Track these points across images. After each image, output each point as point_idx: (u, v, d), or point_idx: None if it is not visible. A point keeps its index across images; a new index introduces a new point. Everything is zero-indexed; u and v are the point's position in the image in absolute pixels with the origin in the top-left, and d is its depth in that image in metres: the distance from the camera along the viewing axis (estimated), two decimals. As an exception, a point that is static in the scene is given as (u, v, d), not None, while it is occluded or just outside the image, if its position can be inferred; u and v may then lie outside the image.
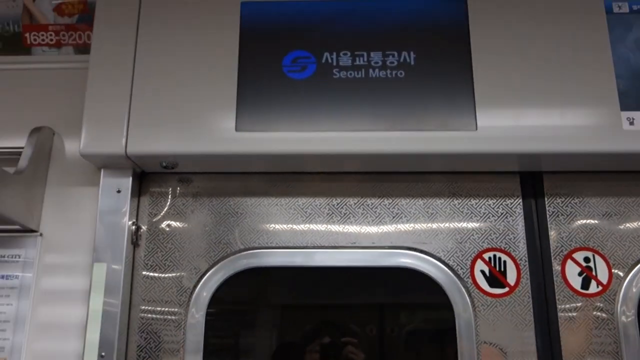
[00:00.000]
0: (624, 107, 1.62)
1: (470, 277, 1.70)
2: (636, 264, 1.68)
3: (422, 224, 1.75)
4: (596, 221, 1.73)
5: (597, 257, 1.69)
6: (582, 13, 1.71)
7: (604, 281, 1.67)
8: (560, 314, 1.65)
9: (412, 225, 1.75)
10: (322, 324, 1.80)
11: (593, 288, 1.67)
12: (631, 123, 1.61)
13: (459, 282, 1.69)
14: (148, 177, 1.83)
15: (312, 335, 1.75)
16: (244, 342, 1.80)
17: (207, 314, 1.70)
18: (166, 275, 1.74)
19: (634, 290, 1.66)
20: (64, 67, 1.94)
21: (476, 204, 1.76)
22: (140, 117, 1.67)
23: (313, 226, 1.76)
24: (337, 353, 1.70)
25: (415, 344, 1.76)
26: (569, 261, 1.69)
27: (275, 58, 1.71)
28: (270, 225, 1.77)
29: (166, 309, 1.71)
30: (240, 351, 1.79)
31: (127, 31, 1.75)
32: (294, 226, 1.76)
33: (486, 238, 1.73)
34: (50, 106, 1.89)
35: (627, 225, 1.72)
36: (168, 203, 1.81)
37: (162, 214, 1.79)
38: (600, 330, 1.64)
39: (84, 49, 1.95)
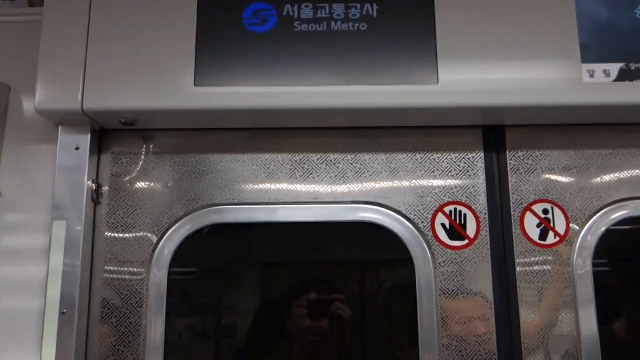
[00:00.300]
0: (585, 59, 1.62)
1: (431, 230, 1.72)
2: (593, 215, 1.72)
3: (385, 179, 1.75)
4: (556, 174, 1.75)
5: (556, 209, 1.72)
6: (546, -36, 1.69)
7: (562, 232, 1.71)
8: (517, 265, 1.68)
9: (374, 180, 1.76)
10: (306, 281, 1.81)
11: (551, 239, 1.70)
12: (592, 76, 1.62)
13: (419, 236, 1.71)
14: (108, 134, 1.79)
15: (297, 292, 1.76)
16: (208, 300, 1.81)
17: (170, 272, 1.70)
18: (129, 232, 1.73)
19: (590, 240, 1.70)
20: (18, 20, 1.87)
21: (438, 158, 1.77)
22: (97, 72, 1.63)
23: (276, 182, 1.76)
24: (325, 309, 1.72)
25: (384, 299, 1.78)
26: (528, 213, 1.72)
27: (236, 11, 1.67)
28: (233, 182, 1.76)
29: (129, 267, 1.71)
30: (204, 309, 1.80)
31: (82, -17, 1.69)
32: (257, 183, 1.76)
33: (447, 192, 1.74)
34: (4, 61, 1.83)
35: (586, 177, 1.75)
36: (129, 160, 1.78)
37: (123, 171, 1.77)
38: (556, 280, 1.68)
39: (38, 1, 1.88)
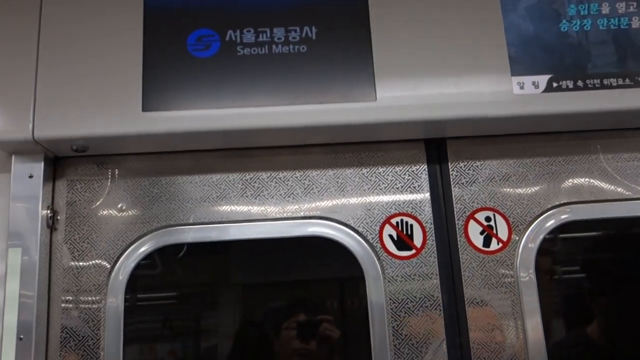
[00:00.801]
0: (515, 72, 1.71)
1: (379, 241, 1.77)
2: (534, 221, 1.79)
3: (333, 194, 1.81)
4: (496, 182, 1.82)
5: (498, 216, 1.79)
6: (475, -16, 1.78)
7: (504, 238, 1.77)
8: (463, 271, 1.74)
9: (323, 195, 1.81)
10: (292, 301, 1.85)
11: (494, 245, 1.77)
12: (521, 87, 1.70)
13: (368, 247, 1.77)
14: (62, 161, 1.84)
15: (283, 313, 1.80)
16: (165, 324, 1.84)
17: (126, 296, 1.73)
18: (85, 258, 1.76)
19: (531, 245, 1.76)
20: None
21: (383, 172, 1.83)
22: (47, 101, 1.67)
23: (227, 201, 1.81)
24: (314, 330, 1.76)
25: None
26: (472, 221, 1.78)
27: (180, 37, 1.73)
28: (186, 203, 1.80)
29: (86, 292, 1.74)
30: (163, 335, 1.83)
31: (30, 13, 1.73)
32: (209, 202, 1.81)
33: (394, 204, 1.81)
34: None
35: (525, 185, 1.82)
36: (84, 186, 1.82)
37: (78, 197, 1.81)
38: (500, 284, 1.74)
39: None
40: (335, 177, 1.83)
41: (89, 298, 1.73)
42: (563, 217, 1.80)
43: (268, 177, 1.83)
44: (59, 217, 1.79)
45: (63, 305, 1.73)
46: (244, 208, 1.80)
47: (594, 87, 1.70)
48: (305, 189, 1.82)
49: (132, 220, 1.79)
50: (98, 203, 1.81)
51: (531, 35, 1.74)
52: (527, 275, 1.74)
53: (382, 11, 1.74)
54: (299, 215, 1.80)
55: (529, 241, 1.77)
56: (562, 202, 1.81)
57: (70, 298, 1.74)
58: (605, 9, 1.77)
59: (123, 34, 1.72)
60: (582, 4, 1.77)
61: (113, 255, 1.76)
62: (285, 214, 1.80)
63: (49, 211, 1.76)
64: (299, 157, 1.84)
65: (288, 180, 1.83)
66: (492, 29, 1.73)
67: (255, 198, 1.81)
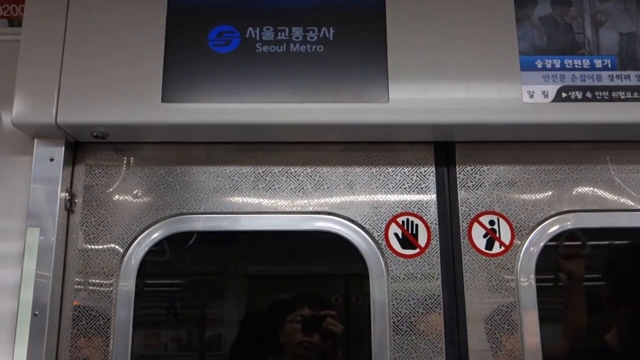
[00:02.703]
0: (525, 80, 1.75)
1: (384, 239, 1.82)
2: (536, 227, 1.83)
3: (342, 191, 1.86)
4: (502, 187, 1.86)
5: (502, 221, 1.83)
6: (491, -8, 1.82)
7: (507, 242, 1.82)
8: (465, 272, 1.79)
9: (332, 192, 1.86)
10: (297, 295, 1.91)
11: (496, 248, 1.81)
12: (531, 96, 1.74)
13: (373, 244, 1.82)
14: (82, 146, 1.90)
15: (287, 306, 1.86)
16: (174, 311, 1.91)
17: (137, 280, 1.79)
18: (100, 241, 1.83)
19: (533, 250, 1.81)
20: (-1, 39, 1.99)
21: (392, 171, 1.88)
22: (71, 88, 1.74)
23: (239, 193, 1.86)
24: (317, 324, 1.81)
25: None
26: (476, 224, 1.83)
27: (201, 32, 1.79)
28: (199, 193, 1.86)
29: (99, 273, 1.80)
30: (171, 320, 1.90)
31: (58, 4, 1.80)
32: (221, 193, 1.86)
33: (400, 204, 1.85)
34: (-15, 78, 1.94)
35: (530, 191, 1.86)
36: (102, 171, 1.89)
37: (96, 182, 1.87)
38: (501, 286, 1.78)
39: (17, 21, 1.99)
40: (345, 174, 1.88)
41: (102, 281, 1.80)
42: (566, 224, 1.84)
43: (280, 172, 1.88)
44: (76, 201, 1.86)
45: (76, 285, 1.79)
46: (255, 200, 1.86)
47: (603, 99, 1.74)
48: (315, 184, 1.87)
49: (146, 206, 1.85)
50: (114, 188, 1.87)
51: (543, 44, 1.77)
52: (527, 280, 1.78)
53: (399, 15, 1.78)
54: (308, 210, 1.85)
55: (531, 246, 1.81)
56: (566, 209, 1.85)
57: (84, 279, 1.80)
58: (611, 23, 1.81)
59: (146, 27, 1.78)
60: (593, 16, 1.81)
61: (127, 240, 1.82)
62: (294, 208, 1.85)
63: (67, 194, 1.83)
64: (310, 154, 1.89)
65: (299, 175, 1.88)
66: (505, 37, 1.77)
67: (267, 191, 1.87)
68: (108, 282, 1.79)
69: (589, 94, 1.74)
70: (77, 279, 1.79)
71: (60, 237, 1.79)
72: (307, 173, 1.88)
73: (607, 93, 1.75)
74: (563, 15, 1.82)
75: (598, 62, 1.78)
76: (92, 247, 1.82)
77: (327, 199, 1.86)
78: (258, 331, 1.89)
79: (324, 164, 1.89)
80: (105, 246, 1.82)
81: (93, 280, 1.80)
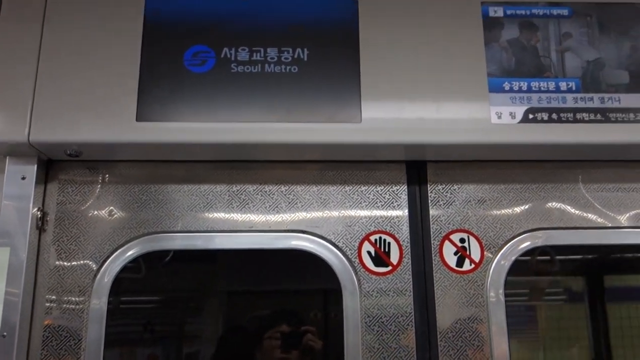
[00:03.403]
0: (493, 102, 1.80)
1: (357, 257, 1.85)
2: (505, 244, 1.87)
3: (315, 210, 1.89)
4: (472, 206, 1.91)
5: (472, 238, 1.87)
6: (461, 16, 1.88)
7: (477, 259, 1.85)
8: (436, 289, 1.82)
9: (306, 210, 1.88)
10: (272, 312, 1.91)
11: (467, 266, 1.85)
12: (499, 117, 1.79)
13: (346, 262, 1.84)
14: (55, 164, 1.89)
15: (265, 322, 1.86)
16: (148, 329, 1.90)
17: (109, 299, 1.78)
18: (72, 259, 1.81)
19: (502, 266, 1.85)
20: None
21: (365, 190, 1.91)
22: (44, 106, 1.73)
23: (213, 211, 1.87)
24: (297, 340, 1.83)
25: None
26: (447, 242, 1.87)
27: (177, 52, 1.81)
28: (173, 211, 1.86)
29: (71, 291, 1.78)
30: (144, 339, 1.89)
31: (33, 20, 1.80)
32: (196, 212, 1.87)
33: (373, 222, 1.88)
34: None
35: (499, 209, 1.91)
36: (75, 189, 1.88)
37: (68, 200, 1.86)
38: (471, 302, 1.82)
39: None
40: (319, 193, 1.90)
41: (73, 299, 1.78)
42: (534, 241, 1.89)
43: (254, 190, 1.90)
44: (48, 219, 1.84)
45: (47, 304, 1.77)
46: (230, 219, 1.87)
47: (567, 121, 1.80)
48: (289, 203, 1.89)
49: (120, 224, 1.85)
50: (87, 206, 1.86)
51: (511, 67, 1.83)
52: (496, 296, 1.82)
53: (371, 37, 1.83)
54: (282, 228, 1.87)
55: (500, 263, 1.86)
56: (534, 227, 1.90)
57: (55, 298, 1.78)
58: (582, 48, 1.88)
59: (122, 45, 1.79)
60: (558, 40, 1.88)
61: (99, 258, 1.81)
62: (269, 227, 1.87)
63: (39, 212, 1.81)
64: (285, 172, 1.91)
65: (273, 194, 1.90)
66: (474, 60, 1.82)
67: (241, 210, 1.88)
68: (80, 300, 1.77)
69: (554, 116, 1.80)
70: (47, 298, 1.77)
71: (31, 255, 1.77)
72: (282, 191, 1.90)
73: (571, 114, 1.81)
74: (529, 39, 1.88)
75: (563, 85, 1.84)
76: (64, 265, 1.81)
77: (301, 218, 1.88)
78: (235, 348, 1.89)
79: (298, 182, 1.91)
80: (78, 265, 1.81)
81: (64, 299, 1.78)
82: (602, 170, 1.95)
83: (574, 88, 1.84)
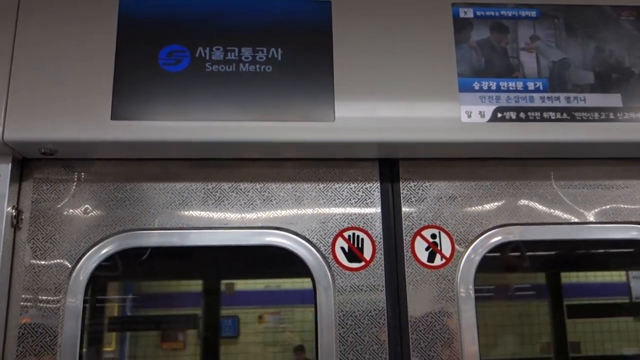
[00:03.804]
0: (463, 101, 1.84)
1: (331, 253, 1.88)
2: (475, 239, 1.93)
3: (290, 207, 1.92)
4: (443, 202, 1.95)
5: (443, 234, 1.92)
6: (432, 17, 1.92)
7: (447, 255, 1.90)
8: (408, 284, 1.87)
9: (280, 207, 1.92)
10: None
11: (437, 261, 1.90)
12: (469, 116, 1.84)
13: (320, 258, 1.87)
14: (30, 162, 1.89)
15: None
16: (124, 325, 1.91)
17: (85, 296, 1.79)
18: (47, 257, 1.82)
19: (472, 261, 1.90)
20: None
21: (339, 187, 1.95)
22: (18, 105, 1.73)
23: (189, 209, 1.89)
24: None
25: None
26: (418, 237, 1.91)
27: (152, 51, 1.82)
28: (149, 209, 1.88)
29: (46, 289, 1.79)
30: (120, 334, 1.90)
31: (6, 18, 1.80)
32: (171, 209, 1.89)
33: (347, 218, 1.92)
34: None
35: (469, 205, 1.96)
36: (50, 188, 1.88)
37: (44, 198, 1.87)
38: (442, 296, 1.87)
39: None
40: (293, 190, 1.93)
41: (49, 297, 1.79)
42: (502, 237, 1.94)
43: (229, 188, 1.92)
44: (23, 217, 1.85)
45: (23, 302, 1.78)
46: (205, 216, 1.89)
47: (535, 120, 1.85)
48: (264, 200, 1.92)
49: (96, 222, 1.86)
50: (63, 204, 1.87)
51: (481, 67, 1.88)
52: (466, 290, 1.87)
53: (345, 38, 1.86)
54: (257, 225, 1.90)
55: (470, 258, 1.91)
56: (502, 223, 1.95)
57: (30, 296, 1.79)
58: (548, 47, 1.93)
59: (96, 44, 1.80)
60: (529, 40, 1.93)
61: (75, 255, 1.82)
62: (244, 224, 1.90)
63: (13, 211, 1.82)
64: (259, 170, 1.94)
65: (248, 191, 1.92)
66: (445, 60, 1.87)
67: (217, 207, 1.90)
68: (55, 298, 1.78)
69: (522, 115, 1.86)
70: (23, 296, 1.78)
71: (6, 253, 1.77)
72: (257, 189, 1.93)
73: (538, 114, 1.86)
74: (499, 40, 1.93)
75: (531, 85, 1.89)
76: (40, 263, 1.81)
77: (276, 215, 1.91)
78: (211, 342, 1.91)
79: (273, 180, 1.94)
80: (53, 262, 1.82)
81: (40, 297, 1.79)
82: (569, 168, 2.01)
83: (541, 88, 1.89)
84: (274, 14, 1.88)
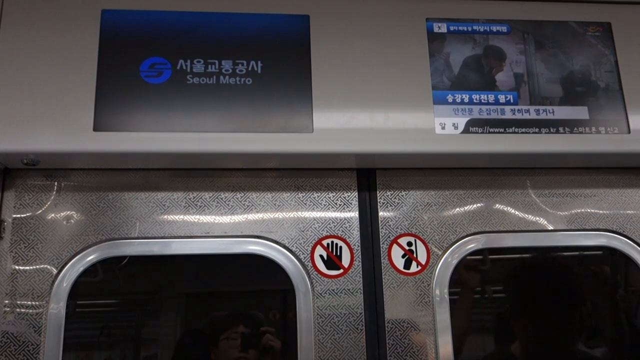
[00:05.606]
0: (437, 113, 1.91)
1: (310, 261, 1.93)
2: (450, 247, 1.99)
3: (270, 215, 1.96)
4: (419, 211, 2.02)
5: (418, 242, 1.98)
6: (407, 32, 1.98)
7: (423, 262, 1.96)
8: (385, 291, 1.92)
9: (260, 216, 1.96)
10: (232, 313, 1.97)
11: (413, 268, 1.96)
12: (443, 128, 1.90)
13: (300, 266, 1.92)
14: (12, 172, 1.91)
15: (223, 324, 1.92)
16: (107, 334, 1.94)
17: (68, 304, 1.82)
18: (30, 266, 1.84)
19: (446, 268, 1.96)
20: None
21: (318, 197, 2.00)
22: (0, 116, 1.76)
23: (170, 218, 1.93)
24: (256, 341, 1.89)
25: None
26: (395, 245, 1.97)
27: (134, 63, 1.85)
28: (131, 218, 1.91)
29: (29, 298, 1.81)
30: (102, 343, 1.92)
31: (-12, 31, 1.83)
32: (153, 218, 1.92)
33: (326, 227, 1.97)
34: None
35: (444, 214, 2.03)
36: (32, 197, 1.90)
37: (26, 207, 1.89)
38: (418, 302, 1.93)
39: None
40: (273, 199, 1.98)
41: (31, 304, 1.81)
42: (476, 244, 2.01)
43: (210, 197, 1.96)
44: (5, 226, 1.86)
45: (5, 309, 1.80)
46: (187, 225, 1.93)
47: (506, 132, 1.92)
48: (245, 209, 1.96)
49: (78, 231, 1.89)
50: (45, 214, 1.89)
51: (454, 80, 1.95)
52: (441, 296, 1.94)
53: (323, 51, 1.92)
54: (237, 233, 1.94)
55: (445, 265, 1.97)
56: (477, 230, 2.02)
57: (13, 304, 1.81)
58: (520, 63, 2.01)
59: (78, 56, 1.83)
60: (500, 54, 2.00)
61: (57, 264, 1.85)
62: (225, 232, 1.94)
63: (-5, 220, 1.84)
64: (240, 180, 1.99)
65: (229, 200, 1.97)
66: (420, 73, 1.93)
67: (198, 216, 1.94)
68: (38, 308, 1.80)
69: (494, 127, 1.93)
70: (5, 303, 1.80)
71: (-12, 263, 1.79)
72: (237, 198, 1.97)
73: (509, 126, 1.93)
74: (471, 54, 2.00)
75: (502, 97, 1.97)
76: (22, 271, 1.83)
77: (256, 223, 1.95)
78: (193, 351, 1.94)
79: (254, 189, 1.98)
80: (35, 271, 1.84)
81: (23, 305, 1.81)
82: (540, 177, 2.09)
83: (511, 100, 1.96)
84: (254, 28, 1.93)
